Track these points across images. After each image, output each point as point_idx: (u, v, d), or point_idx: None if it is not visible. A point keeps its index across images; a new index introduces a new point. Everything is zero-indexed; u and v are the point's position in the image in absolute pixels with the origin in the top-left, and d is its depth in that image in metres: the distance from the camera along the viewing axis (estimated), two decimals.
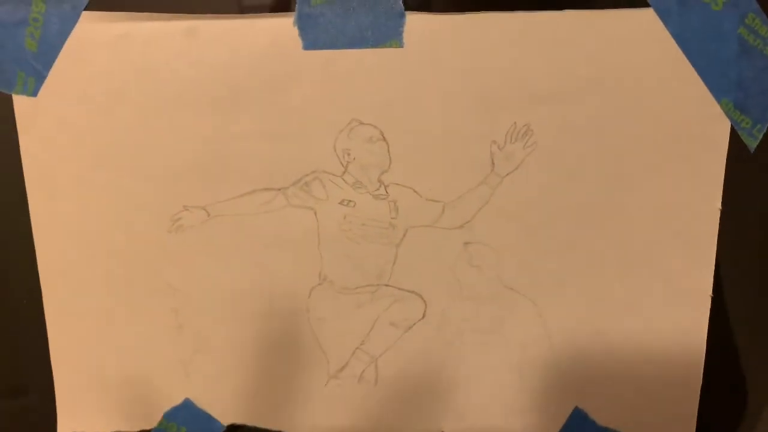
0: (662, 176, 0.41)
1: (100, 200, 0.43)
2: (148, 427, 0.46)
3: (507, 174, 0.41)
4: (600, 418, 0.44)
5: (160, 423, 0.46)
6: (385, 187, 0.42)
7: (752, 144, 0.40)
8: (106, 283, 0.44)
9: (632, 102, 0.40)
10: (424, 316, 0.44)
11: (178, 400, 0.45)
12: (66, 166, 0.42)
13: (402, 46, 0.40)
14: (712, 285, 0.42)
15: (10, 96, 0.41)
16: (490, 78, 0.40)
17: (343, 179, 0.42)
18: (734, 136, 0.40)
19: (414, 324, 0.44)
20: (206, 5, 0.41)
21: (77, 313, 0.44)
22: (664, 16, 0.38)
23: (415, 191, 0.42)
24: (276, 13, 0.40)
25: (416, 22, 0.39)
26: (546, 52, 0.39)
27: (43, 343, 0.45)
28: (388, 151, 0.41)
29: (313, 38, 0.40)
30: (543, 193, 0.41)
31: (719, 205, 0.41)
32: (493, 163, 0.41)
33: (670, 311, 0.42)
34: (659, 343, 0.43)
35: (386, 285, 0.43)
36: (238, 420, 0.45)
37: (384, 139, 0.41)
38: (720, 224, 0.41)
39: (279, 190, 0.42)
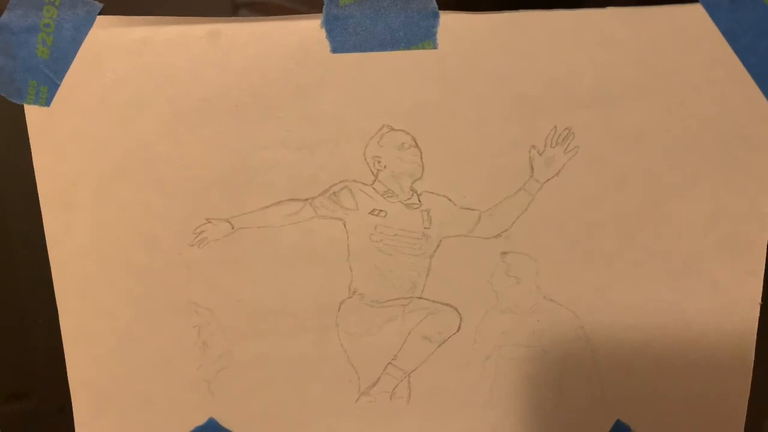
0: (710, 181, 0.39)
1: (118, 214, 0.41)
2: None
3: (547, 180, 0.39)
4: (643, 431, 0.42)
5: None
6: (418, 196, 0.40)
7: None
8: (125, 300, 0.42)
9: (679, 104, 0.38)
10: (459, 330, 0.42)
11: (202, 420, 0.44)
12: (82, 180, 0.40)
13: (436, 48, 0.38)
14: (761, 293, 0.40)
15: (22, 107, 0.39)
16: (530, 80, 0.38)
17: (373, 188, 0.40)
18: None
19: (449, 338, 0.42)
20: (226, 9, 0.39)
21: (96, 333, 0.42)
22: (713, 11, 0.36)
23: (449, 199, 0.40)
24: (302, 15, 0.38)
25: (451, 22, 0.37)
26: (589, 52, 0.37)
27: (57, 356, 0.43)
28: (421, 158, 0.39)
29: (341, 41, 0.38)
30: (584, 200, 0.39)
31: None
32: (532, 169, 0.39)
33: (718, 321, 0.40)
34: (706, 354, 0.41)
35: (419, 298, 0.41)
36: None
37: (416, 145, 0.39)
38: None
39: (306, 200, 0.40)
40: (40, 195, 0.41)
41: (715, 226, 0.40)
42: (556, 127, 0.38)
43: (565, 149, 0.39)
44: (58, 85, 0.39)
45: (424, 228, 0.40)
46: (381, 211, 0.40)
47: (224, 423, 0.44)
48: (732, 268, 0.40)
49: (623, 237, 0.40)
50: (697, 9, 0.37)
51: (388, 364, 0.42)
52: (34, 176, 0.40)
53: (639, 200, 0.39)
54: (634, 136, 0.38)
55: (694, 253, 0.40)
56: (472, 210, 0.40)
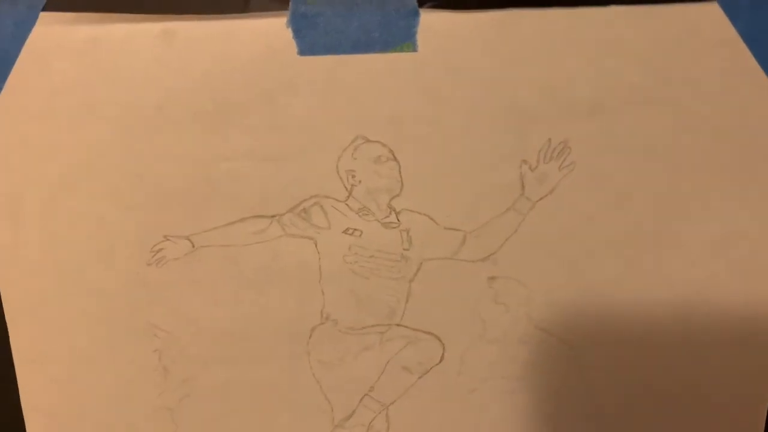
0: (723, 201, 0.35)
1: (70, 228, 0.37)
2: None
3: (539, 199, 0.35)
4: None
5: None
6: (396, 214, 0.36)
7: None
8: (81, 321, 0.39)
9: (690, 114, 0.34)
10: (441, 360, 0.38)
11: None
12: (31, 192, 0.37)
13: (416, 50, 0.34)
14: None
15: None
16: (521, 86, 0.34)
17: (347, 205, 0.36)
18: None
19: (430, 369, 0.38)
20: (188, 3, 0.35)
21: (49, 356, 0.39)
22: (731, 11, 0.32)
23: (430, 218, 0.36)
24: (266, 13, 0.34)
25: (433, 21, 0.33)
26: (588, 56, 0.33)
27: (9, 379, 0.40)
28: (399, 172, 0.35)
29: (310, 42, 0.34)
30: (581, 221, 0.35)
31: None
32: (523, 186, 0.35)
33: (729, 360, 0.36)
34: (717, 395, 0.37)
35: (398, 325, 0.38)
36: None
37: (394, 158, 0.35)
38: None
39: (273, 217, 0.36)
40: None
41: (727, 250, 0.35)
42: (550, 139, 0.34)
43: (560, 165, 0.35)
44: (0, 89, 0.35)
45: (403, 249, 0.36)
46: (355, 230, 0.36)
47: None
48: (746, 297, 0.36)
49: (624, 262, 0.36)
50: (713, 8, 0.32)
51: (364, 395, 0.39)
52: None
53: (642, 221, 0.35)
54: (638, 151, 0.34)
55: (706, 282, 0.36)
56: (457, 230, 0.36)
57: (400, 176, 0.35)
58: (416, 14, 0.33)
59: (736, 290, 0.36)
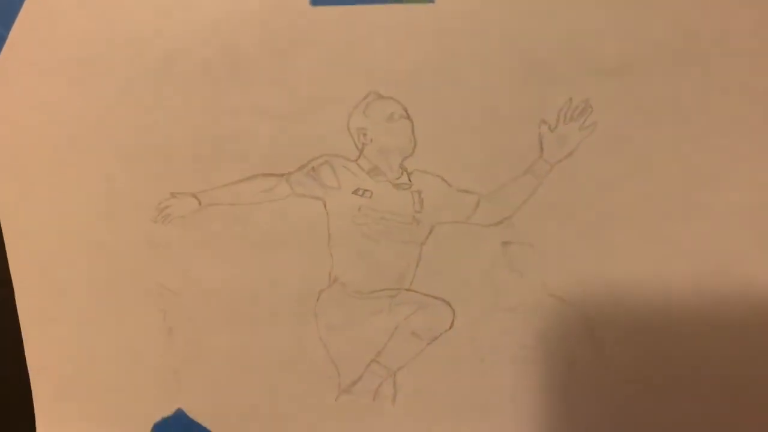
0: (752, 168, 0.33)
1: (76, 187, 0.37)
2: None
3: (558, 161, 0.34)
4: None
5: None
6: (408, 175, 0.35)
7: None
8: (86, 280, 0.38)
9: (721, 74, 0.32)
10: (451, 327, 0.37)
11: (169, 411, 0.40)
12: (36, 147, 0.36)
13: (433, 2, 0.32)
14: None
15: None
16: (542, 43, 0.32)
17: (358, 165, 0.35)
18: None
19: (440, 335, 0.37)
20: None
21: (55, 315, 0.39)
22: None
23: (444, 180, 0.35)
24: None
25: None
26: (613, 9, 0.32)
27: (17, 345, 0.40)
28: (413, 131, 0.34)
29: None
30: (601, 186, 0.34)
31: None
32: (541, 148, 0.34)
33: (751, 334, 0.35)
34: (733, 371, 0.36)
35: (408, 290, 0.37)
36: None
37: (408, 116, 0.34)
38: None
39: (282, 176, 0.35)
40: None
41: (755, 220, 0.34)
42: (571, 99, 0.33)
43: (581, 125, 0.33)
44: (5, 38, 0.34)
45: (415, 212, 0.35)
46: (366, 191, 0.35)
47: (193, 415, 0.40)
48: None
49: (644, 230, 0.34)
50: None
51: (371, 360, 0.38)
52: None
53: (665, 187, 0.34)
54: (663, 112, 0.33)
55: (728, 252, 0.34)
56: (470, 193, 0.35)
57: (414, 135, 0.34)
58: None
59: (763, 264, 0.34)
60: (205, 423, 0.40)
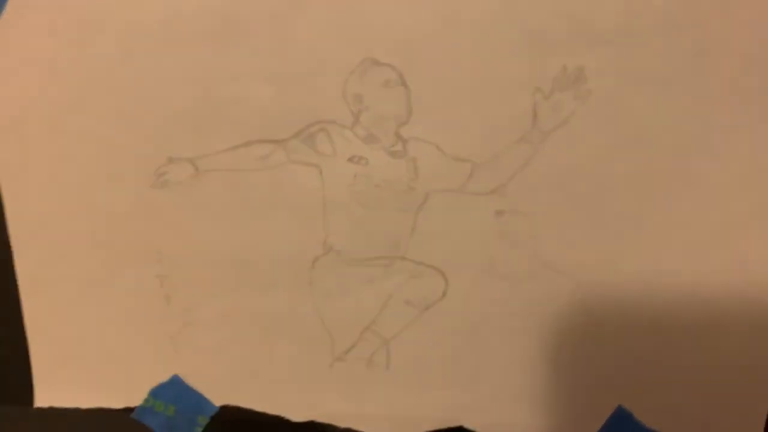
0: (748, 137, 0.33)
1: (75, 149, 0.37)
2: (132, 405, 0.41)
3: (553, 129, 0.34)
4: (648, 419, 0.38)
5: (146, 400, 0.41)
6: (404, 143, 0.35)
7: None
8: (84, 244, 0.39)
9: (719, 42, 0.32)
10: (444, 296, 0.37)
11: (165, 377, 0.40)
12: (34, 109, 0.37)
13: None
14: None
15: None
16: (537, 8, 0.32)
17: (353, 132, 0.35)
18: None
19: (433, 304, 0.37)
20: None
21: (53, 278, 0.39)
22: None
23: (438, 148, 0.35)
24: None
25: None
26: None
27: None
28: (408, 98, 0.34)
29: None
30: (595, 154, 0.34)
31: None
32: (535, 116, 0.34)
33: (744, 303, 0.35)
34: (727, 339, 0.36)
35: (402, 258, 0.37)
36: (232, 401, 0.40)
37: (404, 83, 0.34)
38: None
39: (278, 142, 0.36)
40: None
41: (750, 190, 0.34)
42: (566, 66, 0.33)
43: (576, 94, 0.33)
44: (5, 1, 0.35)
45: (410, 179, 0.35)
46: (361, 158, 0.35)
47: (189, 381, 0.40)
48: (767, 243, 0.34)
49: (639, 199, 0.34)
50: None
51: (365, 328, 0.38)
52: None
53: (660, 156, 0.34)
54: (659, 80, 0.33)
55: (722, 222, 0.34)
56: (465, 161, 0.35)
57: (409, 103, 0.34)
58: None
59: (759, 235, 0.34)
60: (200, 389, 0.40)
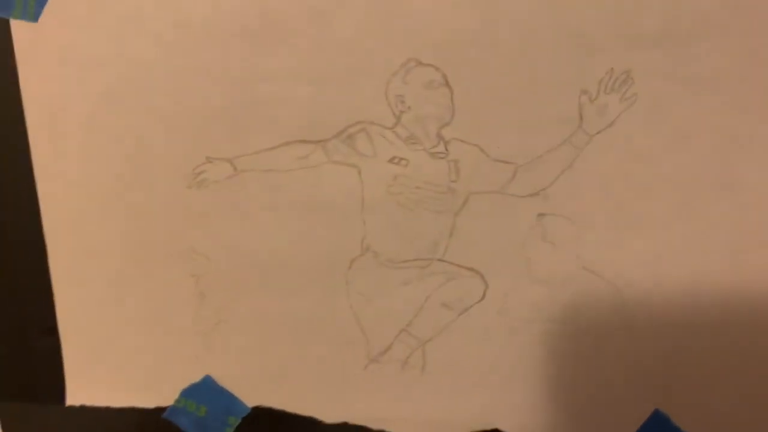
0: None
1: (111, 147, 0.37)
2: (164, 404, 0.41)
3: (597, 132, 0.34)
4: (685, 424, 0.37)
5: (178, 400, 0.41)
6: (445, 144, 0.35)
7: None
8: (118, 243, 0.38)
9: (762, 46, 0.32)
10: (483, 298, 0.37)
11: (197, 377, 0.40)
12: (72, 105, 0.36)
13: None
14: None
15: (8, 22, 0.35)
16: (584, 11, 0.32)
17: (394, 132, 0.35)
18: None
19: (471, 306, 0.37)
20: None
21: (87, 277, 0.39)
22: None
23: (481, 149, 0.35)
24: None
25: None
26: None
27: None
28: (451, 99, 0.34)
29: None
30: (639, 157, 0.34)
31: None
32: (581, 118, 0.33)
33: None
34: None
35: (440, 260, 0.37)
36: (265, 402, 0.40)
37: (447, 84, 0.34)
38: None
39: (318, 142, 0.35)
40: (27, 120, 0.37)
41: None
42: (612, 69, 0.33)
43: (622, 97, 0.33)
44: None
45: (451, 181, 0.35)
46: (402, 159, 0.35)
47: (221, 381, 0.40)
48: None
49: (681, 202, 0.34)
50: None
51: (401, 330, 0.38)
52: (20, 100, 0.36)
53: (704, 160, 0.34)
54: (705, 84, 0.32)
55: (765, 225, 0.34)
56: (507, 163, 0.35)
57: (452, 103, 0.34)
58: None
59: None
60: (233, 389, 0.40)
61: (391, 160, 0.35)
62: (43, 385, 0.41)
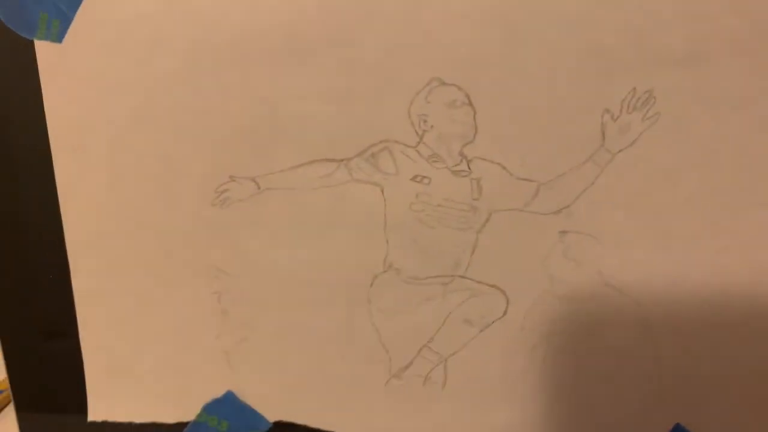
0: None
1: (135, 165, 0.37)
2: (186, 420, 0.41)
3: (620, 150, 0.34)
4: None
5: (200, 416, 0.41)
6: (468, 162, 0.35)
7: None
8: (141, 260, 0.39)
9: None
10: (505, 315, 0.37)
11: (219, 392, 0.41)
12: (96, 125, 0.37)
13: None
14: None
15: (32, 43, 0.35)
16: (607, 29, 0.32)
17: (417, 151, 0.35)
18: None
19: (492, 322, 0.37)
20: None
21: (109, 293, 0.39)
22: None
23: (503, 168, 0.35)
24: None
25: None
26: (679, 0, 0.31)
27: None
28: (474, 118, 0.34)
29: None
30: (662, 176, 0.34)
31: None
32: (603, 137, 0.34)
33: None
34: None
35: (462, 277, 0.37)
36: (287, 417, 0.40)
37: (470, 103, 0.34)
38: None
39: (341, 161, 0.36)
40: (51, 141, 0.37)
41: None
42: (635, 88, 0.33)
43: (644, 116, 0.33)
44: (71, 19, 0.35)
45: (473, 199, 0.35)
46: (424, 177, 0.35)
47: (243, 397, 0.40)
48: None
49: (704, 220, 0.34)
50: None
51: (423, 346, 0.38)
52: (44, 120, 0.37)
53: (727, 179, 0.34)
54: (728, 103, 0.33)
55: None
56: (530, 181, 0.35)
57: (475, 122, 0.34)
58: None
59: None
60: (254, 405, 0.41)
61: (413, 179, 0.36)
62: (63, 398, 0.42)
